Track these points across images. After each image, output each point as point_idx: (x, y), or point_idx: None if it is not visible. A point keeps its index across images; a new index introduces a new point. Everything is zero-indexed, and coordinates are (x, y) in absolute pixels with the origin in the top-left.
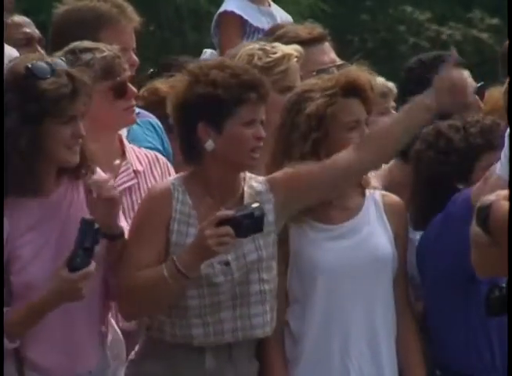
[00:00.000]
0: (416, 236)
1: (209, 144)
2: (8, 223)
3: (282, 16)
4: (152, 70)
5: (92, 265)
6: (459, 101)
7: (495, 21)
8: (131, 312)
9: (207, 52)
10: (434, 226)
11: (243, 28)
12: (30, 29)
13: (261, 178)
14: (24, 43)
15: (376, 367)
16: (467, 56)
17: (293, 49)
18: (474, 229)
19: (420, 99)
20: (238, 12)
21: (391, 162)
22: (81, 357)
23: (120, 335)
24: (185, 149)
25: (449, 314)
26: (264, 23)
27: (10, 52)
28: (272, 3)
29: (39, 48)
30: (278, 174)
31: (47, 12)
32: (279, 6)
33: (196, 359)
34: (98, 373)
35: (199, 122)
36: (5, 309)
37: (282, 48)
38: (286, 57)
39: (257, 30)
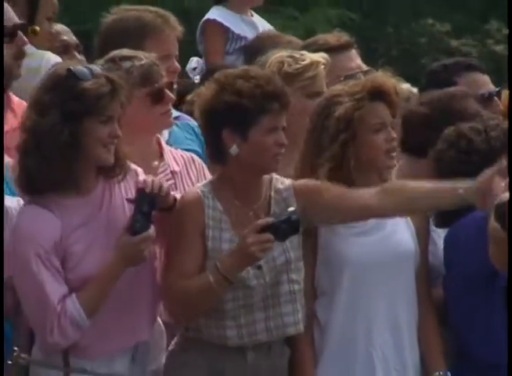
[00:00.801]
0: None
1: (233, 149)
2: (60, 221)
3: (264, 25)
4: (199, 76)
5: (152, 229)
6: (487, 206)
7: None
8: (178, 315)
9: (194, 60)
10: (465, 226)
11: (226, 35)
12: (68, 36)
13: (286, 181)
14: (62, 50)
15: (398, 354)
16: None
17: (320, 57)
18: (493, 224)
19: (456, 187)
20: (219, 19)
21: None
22: (129, 333)
23: (162, 326)
24: (212, 152)
25: (471, 307)
26: (246, 32)
27: (55, 59)
28: (254, 13)
29: (76, 54)
30: (303, 183)
31: (93, 22)
32: (308, 16)
33: (236, 354)
34: (139, 357)
35: (224, 128)
36: (73, 295)
37: (310, 56)
38: (314, 64)
39: (239, 37)
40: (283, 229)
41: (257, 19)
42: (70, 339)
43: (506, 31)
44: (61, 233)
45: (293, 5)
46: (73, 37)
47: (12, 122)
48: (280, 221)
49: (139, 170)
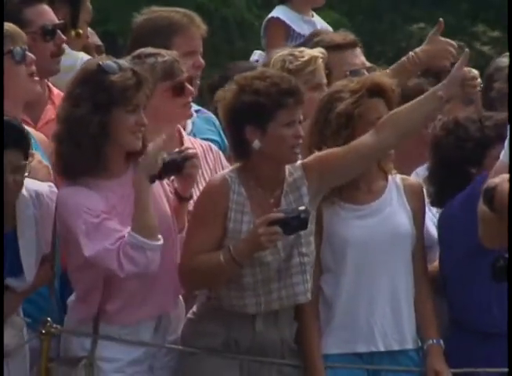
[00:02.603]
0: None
1: (256, 144)
2: (96, 200)
3: (323, 26)
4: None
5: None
6: (468, 94)
7: (496, 34)
8: (191, 287)
9: (257, 53)
10: (454, 205)
11: (287, 32)
12: (90, 38)
13: (296, 163)
14: (82, 50)
15: (397, 326)
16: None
17: (318, 51)
18: (481, 207)
19: (433, 91)
20: (283, 18)
21: None
22: (156, 303)
23: (181, 299)
24: (236, 148)
25: (464, 281)
26: (306, 31)
27: (88, 58)
28: (315, 14)
29: (96, 55)
30: (309, 159)
31: (115, 22)
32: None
33: (247, 322)
34: (162, 326)
35: (246, 125)
36: (127, 228)
37: (308, 52)
38: (313, 59)
39: (299, 35)
40: (292, 225)
41: (317, 19)
42: (142, 264)
43: (491, 34)
44: (103, 207)
45: None
46: (95, 39)
47: (51, 113)
48: (290, 217)
49: None
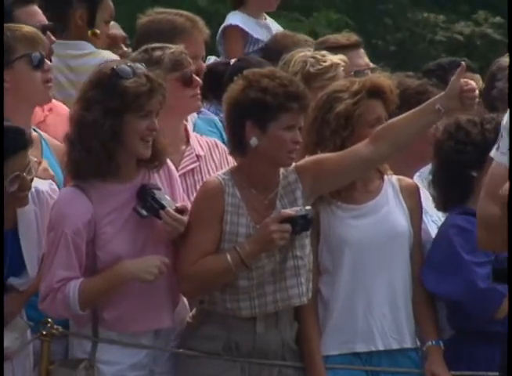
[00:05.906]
0: (433, 216)
1: (253, 141)
2: (92, 205)
3: (276, 28)
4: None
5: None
6: (467, 106)
7: (497, 19)
8: (192, 292)
9: (212, 58)
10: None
11: (245, 39)
12: (116, 30)
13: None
14: (110, 43)
15: (396, 325)
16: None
17: (339, 59)
18: (490, 212)
19: (431, 103)
20: (241, 25)
21: None
22: (152, 318)
23: (186, 303)
24: (233, 143)
25: None
26: (262, 35)
27: (112, 57)
28: (267, 16)
29: (123, 46)
30: (304, 162)
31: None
32: (313, 20)
33: (248, 325)
34: (163, 333)
35: (247, 121)
36: (80, 280)
37: (330, 58)
38: (334, 66)
39: (257, 40)
40: (299, 224)
41: (269, 21)
42: (59, 315)
43: (493, 20)
44: (92, 215)
45: (299, 10)
46: (121, 31)
47: (39, 117)
48: (299, 216)
49: (170, 163)
